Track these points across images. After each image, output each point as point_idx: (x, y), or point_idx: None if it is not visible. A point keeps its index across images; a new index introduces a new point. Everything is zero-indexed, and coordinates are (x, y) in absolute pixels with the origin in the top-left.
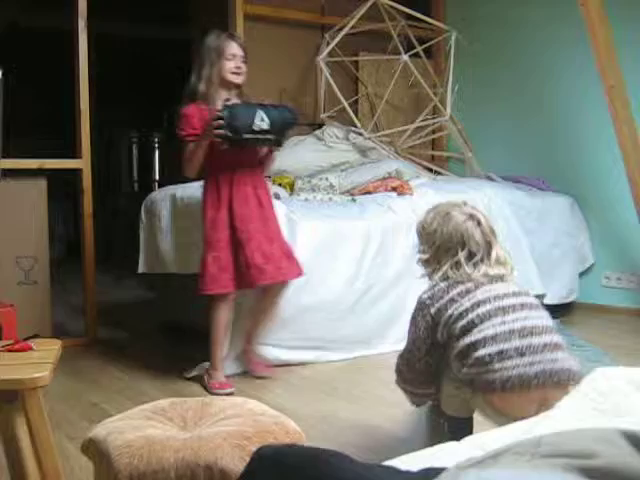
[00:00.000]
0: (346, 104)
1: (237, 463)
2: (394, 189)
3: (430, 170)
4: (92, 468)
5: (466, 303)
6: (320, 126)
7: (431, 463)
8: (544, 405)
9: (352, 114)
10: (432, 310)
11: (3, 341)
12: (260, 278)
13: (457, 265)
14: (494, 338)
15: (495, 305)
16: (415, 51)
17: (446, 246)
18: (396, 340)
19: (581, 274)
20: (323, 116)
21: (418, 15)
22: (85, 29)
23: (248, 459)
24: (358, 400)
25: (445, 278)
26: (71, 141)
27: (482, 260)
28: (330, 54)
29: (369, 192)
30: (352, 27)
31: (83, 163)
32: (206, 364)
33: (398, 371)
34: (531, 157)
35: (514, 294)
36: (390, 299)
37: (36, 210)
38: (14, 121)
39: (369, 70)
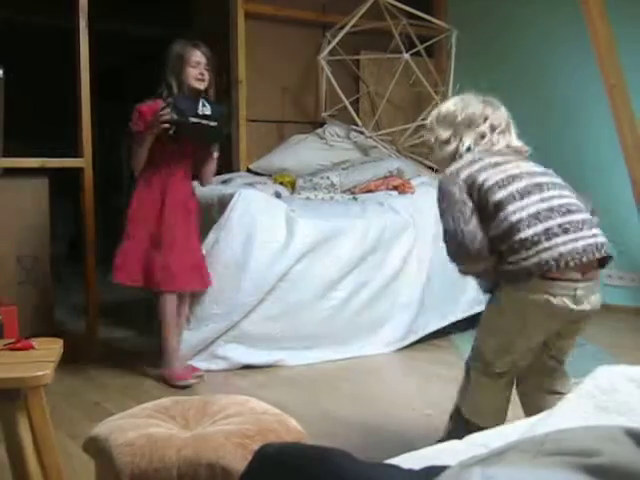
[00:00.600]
0: (347, 103)
1: (239, 461)
2: (395, 188)
3: (431, 169)
4: (94, 466)
5: (499, 175)
6: (321, 125)
7: (433, 462)
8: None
9: (353, 113)
10: (462, 176)
11: (4, 340)
12: (171, 284)
13: (481, 136)
14: (537, 217)
15: (531, 182)
16: (416, 50)
17: (467, 122)
18: (389, 341)
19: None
20: (324, 115)
21: (419, 14)
22: (86, 27)
23: (250, 457)
24: (359, 399)
25: (468, 150)
26: (73, 140)
27: (504, 132)
28: (331, 53)
29: (370, 191)
30: (353, 26)
31: (85, 162)
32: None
33: (453, 254)
34: (531, 156)
35: (543, 173)
36: (385, 298)
37: (37, 209)
38: (15, 120)
39: (370, 69)
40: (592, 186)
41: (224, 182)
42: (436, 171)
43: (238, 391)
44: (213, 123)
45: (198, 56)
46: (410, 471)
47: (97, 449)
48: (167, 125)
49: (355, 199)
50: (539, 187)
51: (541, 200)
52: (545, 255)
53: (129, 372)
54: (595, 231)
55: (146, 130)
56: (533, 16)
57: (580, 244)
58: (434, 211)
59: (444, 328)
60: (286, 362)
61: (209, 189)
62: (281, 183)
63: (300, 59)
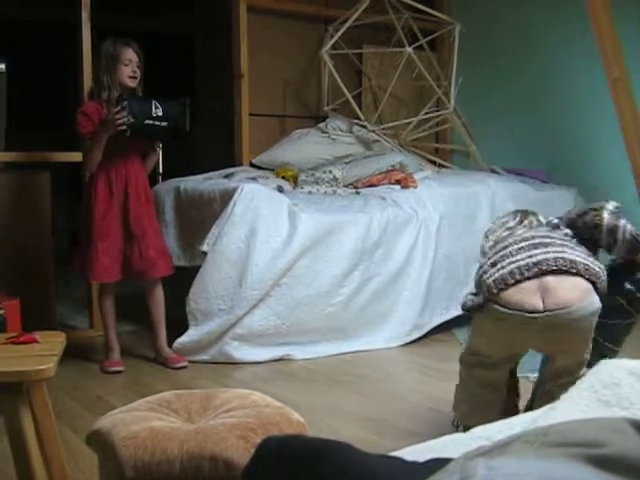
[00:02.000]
0: (350, 97)
1: (242, 454)
2: (398, 182)
3: (434, 163)
4: (96, 460)
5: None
6: (324, 119)
7: (437, 454)
8: (546, 294)
9: (356, 107)
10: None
11: (7, 334)
12: (153, 271)
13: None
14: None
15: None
16: (419, 44)
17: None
18: (394, 336)
19: None
20: (327, 109)
21: (422, 7)
22: (89, 21)
23: (253, 450)
24: (362, 392)
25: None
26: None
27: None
28: (334, 47)
29: (373, 185)
30: (356, 19)
31: None
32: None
33: None
34: (535, 150)
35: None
36: (389, 293)
37: (39, 203)
38: (18, 114)
39: (373, 62)
40: (596, 179)
41: (226, 176)
42: (439, 165)
43: (241, 385)
44: (164, 123)
45: (130, 54)
46: (413, 463)
47: (100, 442)
48: (123, 127)
49: (357, 193)
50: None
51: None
52: (495, 276)
53: (131, 366)
54: (563, 250)
55: (98, 131)
56: (537, 10)
57: (532, 260)
58: (437, 205)
59: (446, 323)
60: (291, 357)
61: (211, 183)
62: (283, 177)
63: (302, 53)
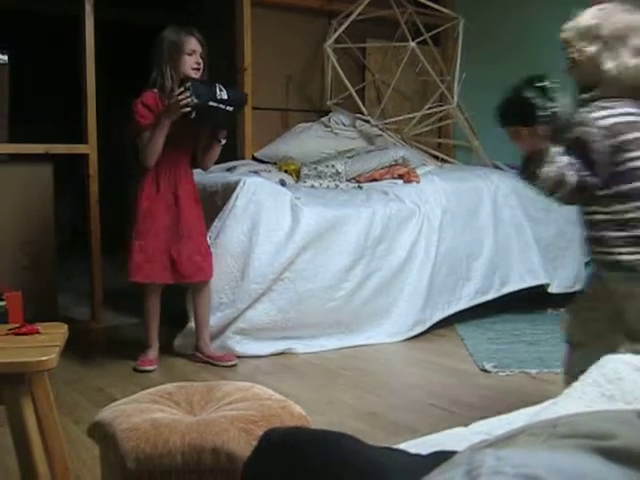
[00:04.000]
0: (353, 91)
1: (243, 446)
2: (400, 177)
3: (437, 158)
4: (98, 451)
5: None
6: (327, 113)
7: (439, 447)
8: None
9: (359, 101)
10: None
11: (9, 325)
12: (201, 274)
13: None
14: None
15: None
16: (423, 38)
17: (618, 34)
18: (396, 331)
19: (587, 263)
20: (330, 103)
21: (426, 2)
22: (92, 14)
23: (254, 443)
24: (363, 387)
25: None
26: (79, 126)
27: None
28: (337, 41)
29: (375, 179)
30: (359, 14)
31: (90, 148)
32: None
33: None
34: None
35: None
36: (392, 288)
37: (42, 195)
38: (20, 106)
39: (376, 57)
40: None
41: (228, 170)
42: (442, 160)
43: (243, 378)
44: (230, 108)
45: (193, 44)
46: (417, 455)
47: (101, 434)
48: (187, 109)
49: (360, 188)
50: None
51: None
52: None
53: (133, 358)
54: None
55: (160, 119)
56: (542, 5)
57: None
58: (439, 200)
59: (448, 318)
60: (293, 351)
61: (213, 176)
62: (286, 171)
63: (305, 47)
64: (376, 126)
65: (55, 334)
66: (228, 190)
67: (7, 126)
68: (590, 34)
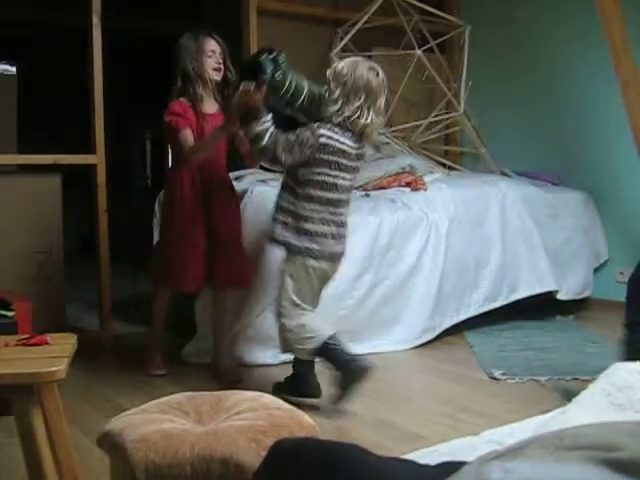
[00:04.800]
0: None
1: (253, 457)
2: (408, 184)
3: (444, 165)
4: (107, 462)
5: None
6: None
7: (448, 458)
8: None
9: None
10: (321, 140)
11: (19, 335)
12: (242, 282)
13: (360, 112)
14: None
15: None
16: (429, 46)
17: (354, 86)
18: (405, 339)
19: (596, 270)
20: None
21: (432, 10)
22: (99, 25)
23: (263, 453)
24: (372, 395)
25: (341, 122)
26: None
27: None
28: (343, 49)
29: (383, 187)
30: (365, 22)
31: (97, 159)
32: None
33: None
34: (545, 152)
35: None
36: (400, 296)
37: (51, 206)
38: (30, 116)
39: (382, 65)
40: (607, 182)
41: (236, 179)
42: (449, 168)
43: (252, 387)
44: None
45: (212, 45)
46: (426, 466)
47: (111, 444)
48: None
49: (367, 195)
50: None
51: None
52: None
53: (142, 367)
54: None
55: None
56: (546, 12)
57: None
58: (447, 208)
59: (457, 325)
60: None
61: None
62: None
63: (312, 55)
64: (383, 134)
65: (64, 345)
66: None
67: (16, 137)
68: (340, 79)
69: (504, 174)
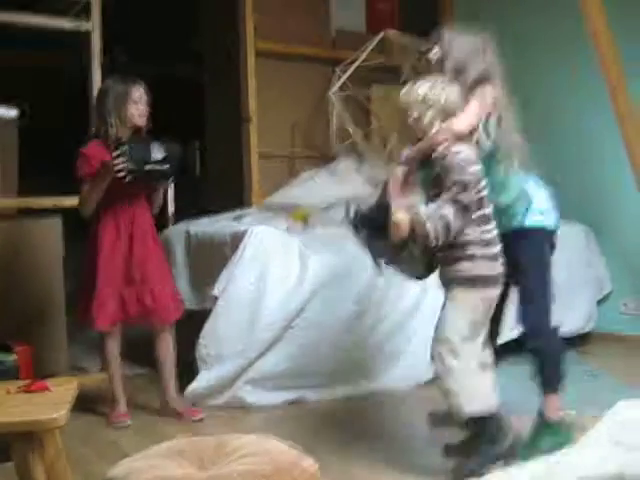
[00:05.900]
0: (359, 137)
1: None
2: None
3: None
4: None
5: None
6: (333, 159)
7: None
8: None
9: (365, 147)
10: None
11: (20, 381)
12: (162, 315)
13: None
14: None
15: None
16: None
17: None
18: (408, 375)
19: (599, 302)
20: (335, 149)
21: (427, 47)
22: (99, 67)
23: None
24: (376, 435)
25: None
26: None
27: None
28: (341, 88)
29: None
30: (363, 60)
31: None
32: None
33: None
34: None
35: None
36: (403, 331)
37: (51, 248)
38: (29, 159)
39: (381, 102)
40: (607, 214)
41: (236, 219)
42: None
43: (255, 430)
44: (165, 166)
45: (139, 91)
46: None
47: None
48: (122, 174)
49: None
50: None
51: None
52: None
53: (143, 410)
54: None
55: (97, 175)
56: (540, 39)
57: None
58: None
59: None
60: (305, 399)
61: (220, 226)
62: (294, 218)
63: (310, 94)
64: (383, 171)
65: (65, 391)
66: (236, 240)
67: (16, 182)
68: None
69: None
